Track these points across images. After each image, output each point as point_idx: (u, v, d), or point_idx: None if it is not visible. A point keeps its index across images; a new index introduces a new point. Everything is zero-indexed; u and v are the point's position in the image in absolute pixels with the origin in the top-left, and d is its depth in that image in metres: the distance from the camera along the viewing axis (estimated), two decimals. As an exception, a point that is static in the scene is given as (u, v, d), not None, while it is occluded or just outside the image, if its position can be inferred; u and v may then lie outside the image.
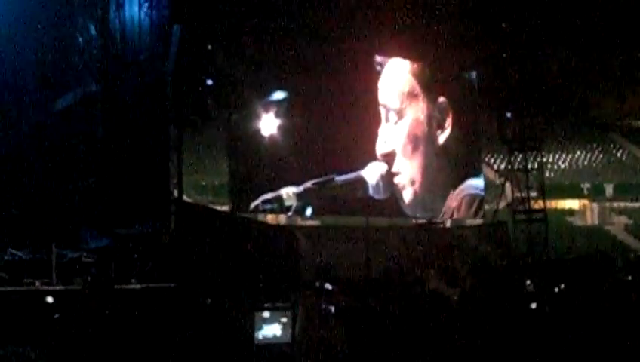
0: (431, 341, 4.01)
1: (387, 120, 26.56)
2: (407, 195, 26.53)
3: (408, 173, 26.52)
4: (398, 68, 27.38)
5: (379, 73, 27.00)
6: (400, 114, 26.76)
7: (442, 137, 27.67)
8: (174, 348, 6.75)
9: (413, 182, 26.60)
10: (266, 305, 5.97)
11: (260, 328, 5.87)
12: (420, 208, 27.02)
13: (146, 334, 7.67)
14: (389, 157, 26.03)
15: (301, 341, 5.03)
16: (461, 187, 28.35)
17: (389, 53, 27.33)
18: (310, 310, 5.68)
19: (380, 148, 25.99)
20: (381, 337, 4.77)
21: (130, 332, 7.75)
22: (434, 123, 27.52)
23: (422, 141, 27.16)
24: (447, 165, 27.85)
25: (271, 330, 5.88)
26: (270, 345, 5.78)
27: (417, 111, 27.28)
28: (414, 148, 26.88)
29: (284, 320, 5.80)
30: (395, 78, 27.16)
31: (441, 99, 27.68)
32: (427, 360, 3.31)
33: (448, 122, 27.67)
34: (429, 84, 27.62)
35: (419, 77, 27.53)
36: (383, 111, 26.61)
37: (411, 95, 27.30)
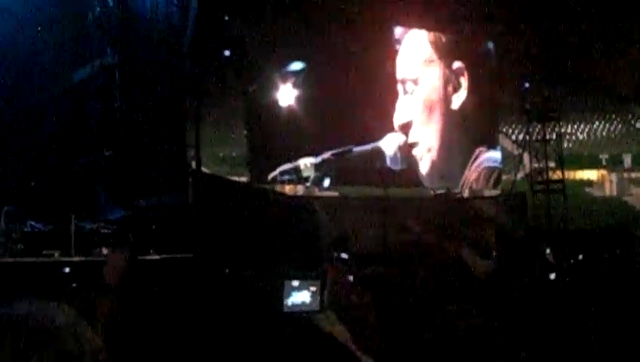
0: (455, 311, 4.00)
1: (405, 92, 26.48)
2: (425, 165, 26.43)
3: (425, 141, 26.40)
4: (416, 38, 27.27)
5: (397, 51, 26.89)
6: (416, 82, 26.64)
7: (458, 101, 27.49)
8: (195, 317, 6.76)
9: (430, 150, 26.48)
10: (294, 273, 5.97)
11: (290, 295, 5.88)
12: (437, 177, 26.90)
13: (166, 303, 7.69)
14: (407, 128, 25.94)
15: (329, 308, 5.02)
16: (480, 160, 28.25)
17: (408, 24, 27.20)
18: (337, 278, 5.65)
19: (398, 119, 25.93)
20: (407, 306, 4.75)
21: (151, 301, 7.76)
22: (449, 86, 27.38)
23: (437, 105, 27.04)
24: (464, 130, 27.70)
25: (300, 297, 5.89)
26: (299, 312, 5.79)
27: (433, 76, 27.17)
28: (430, 114, 26.77)
29: (313, 288, 5.80)
30: (413, 48, 27.06)
31: (457, 63, 27.51)
32: (454, 329, 3.31)
33: (464, 86, 27.49)
34: (446, 50, 27.49)
35: (436, 44, 27.41)
36: (400, 85, 26.51)
37: (428, 61, 27.19)
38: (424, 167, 26.45)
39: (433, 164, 26.60)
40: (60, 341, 1.99)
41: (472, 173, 28.01)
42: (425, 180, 26.57)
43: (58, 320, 2.05)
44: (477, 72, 28.17)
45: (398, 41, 27.02)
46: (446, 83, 27.33)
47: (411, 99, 26.39)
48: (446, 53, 27.39)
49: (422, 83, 26.74)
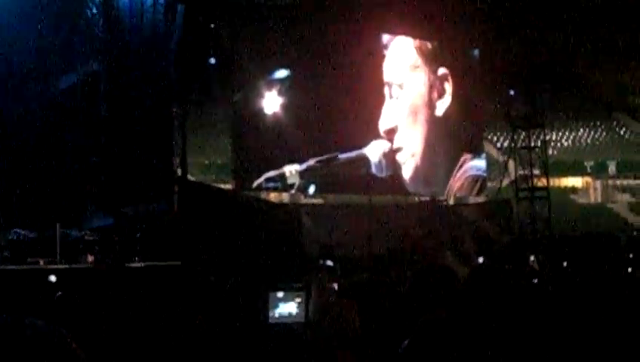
0: (439, 316, 4.04)
1: (390, 96, 26.54)
2: (409, 170, 26.46)
3: (409, 146, 26.44)
4: (403, 43, 27.34)
5: (384, 56, 26.97)
6: (402, 87, 26.71)
7: (442, 107, 27.58)
8: (179, 325, 6.78)
9: (413, 155, 26.51)
10: (279, 284, 6.00)
11: (276, 306, 5.90)
12: (421, 183, 26.93)
13: (150, 312, 7.71)
14: (392, 134, 25.97)
15: (314, 319, 5.06)
16: (464, 168, 28.33)
17: (392, 31, 27.28)
18: (322, 288, 5.70)
19: (383, 124, 25.95)
20: (391, 313, 4.79)
21: (135, 309, 7.78)
22: (434, 92, 27.47)
23: (422, 110, 27.12)
24: (448, 137, 27.77)
25: (286, 308, 5.92)
26: (284, 323, 5.82)
27: (419, 82, 27.27)
28: (415, 119, 26.85)
29: (298, 299, 5.83)
30: (400, 53, 27.13)
31: (442, 69, 27.61)
32: (437, 335, 3.34)
33: (448, 91, 27.58)
34: (432, 56, 27.58)
35: (422, 49, 27.50)
36: (387, 89, 26.56)
37: (413, 67, 27.29)
38: (408, 172, 26.47)
39: (417, 169, 26.64)
40: (38, 352, 2.01)
41: (456, 181, 28.09)
42: (408, 185, 26.60)
43: (36, 331, 2.06)
44: (461, 78, 28.26)
45: (386, 46, 27.09)
46: (431, 88, 27.42)
47: (397, 103, 26.45)
48: (431, 60, 27.48)
49: (407, 88, 26.80)
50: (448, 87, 27.58)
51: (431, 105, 27.37)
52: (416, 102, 27.06)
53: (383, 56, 26.91)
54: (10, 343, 2.00)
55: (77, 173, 21.01)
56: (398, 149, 26.09)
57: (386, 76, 26.73)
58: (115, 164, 20.83)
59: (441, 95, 27.54)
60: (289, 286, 5.96)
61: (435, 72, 27.49)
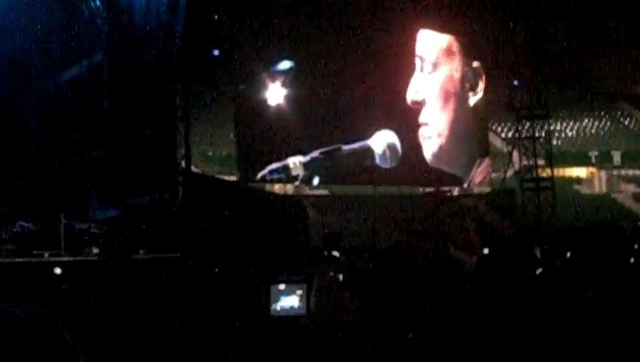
0: (443, 309, 4.02)
1: (422, 69, 26.51)
2: (433, 146, 26.40)
3: (436, 125, 26.41)
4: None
5: (417, 30, 26.90)
6: (435, 66, 26.70)
7: (473, 100, 27.56)
8: (182, 317, 6.77)
9: (440, 135, 26.50)
10: (281, 277, 5.97)
11: (277, 299, 5.87)
12: (444, 161, 26.88)
13: (154, 304, 7.70)
14: (419, 106, 25.97)
15: (316, 312, 5.04)
16: (484, 164, 28.40)
17: (408, 26, 27.18)
18: (324, 281, 5.67)
19: (411, 95, 25.92)
20: (394, 305, 4.76)
21: (139, 301, 7.78)
22: (466, 84, 27.41)
23: (453, 97, 27.07)
24: (475, 128, 27.83)
25: (288, 302, 5.89)
26: (287, 316, 5.79)
27: (452, 68, 27.22)
28: (445, 103, 26.81)
29: (299, 292, 5.80)
30: (435, 34, 27.11)
31: (477, 63, 27.57)
32: (441, 327, 3.32)
33: (481, 87, 27.55)
34: (468, 47, 27.54)
35: (459, 36, 27.46)
36: (418, 61, 26.51)
37: (449, 51, 27.23)
38: (431, 148, 26.39)
39: (441, 148, 26.60)
40: (32, 345, 2.00)
41: (477, 176, 28.07)
42: (430, 161, 26.50)
43: (32, 322, 2.05)
44: (490, 75, 28.24)
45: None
46: (463, 79, 27.37)
47: (428, 79, 26.42)
48: (468, 49, 27.45)
49: (440, 70, 26.80)
50: (481, 82, 27.57)
51: (463, 95, 27.33)
52: (448, 87, 27.03)
53: (416, 31, 26.80)
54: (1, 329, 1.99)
55: (81, 165, 21.04)
56: (424, 123, 26.09)
57: (419, 50, 26.68)
58: (118, 155, 20.84)
59: (473, 88, 27.52)
60: (290, 279, 5.94)
61: (469, 63, 27.48)
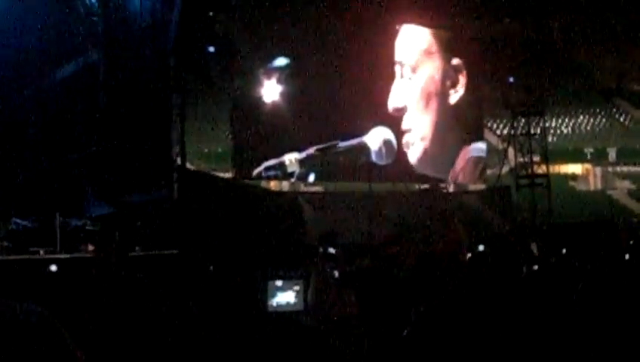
0: (439, 304, 4.03)
1: (402, 75, 26.43)
2: (417, 152, 26.35)
3: (419, 130, 26.34)
4: (417, 26, 27.26)
5: (397, 31, 26.82)
6: (414, 69, 26.63)
7: (455, 97, 27.44)
8: (178, 314, 6.78)
9: (423, 139, 26.42)
10: (278, 273, 5.99)
11: (274, 295, 5.89)
12: (429, 166, 26.84)
13: (150, 300, 7.71)
14: (401, 112, 25.90)
15: (313, 308, 5.06)
16: (467, 148, 28.29)
17: (397, 20, 27.16)
18: (320, 277, 5.70)
19: (392, 102, 25.86)
20: (389, 301, 4.78)
21: (135, 298, 7.78)
22: (447, 82, 27.32)
23: (435, 98, 26.96)
24: (457, 126, 27.70)
25: (285, 297, 5.91)
26: (283, 312, 5.80)
27: (432, 68, 27.09)
28: (427, 105, 26.71)
29: (296, 288, 5.81)
30: (414, 35, 26.99)
31: (457, 60, 27.50)
32: (435, 324, 3.34)
33: (462, 83, 27.43)
34: (448, 45, 27.44)
35: (438, 35, 27.38)
36: (397, 67, 26.46)
37: (428, 52, 27.14)
38: (415, 154, 26.34)
39: (426, 152, 26.54)
40: (31, 343, 2.01)
41: (459, 162, 28.02)
42: (416, 167, 26.47)
43: (31, 321, 2.07)
44: (474, 70, 28.18)
45: (399, 25, 26.97)
46: (444, 78, 27.26)
47: (408, 84, 26.32)
48: (446, 48, 27.35)
49: (420, 72, 26.67)
50: (462, 78, 27.46)
51: (443, 94, 27.21)
52: (429, 89, 26.90)
53: (395, 33, 26.77)
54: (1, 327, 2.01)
55: (76, 162, 21.02)
56: (407, 130, 26.04)
57: (398, 55, 26.56)
58: (114, 152, 20.83)
59: (454, 85, 27.42)
60: (287, 275, 5.95)
61: (449, 60, 27.37)
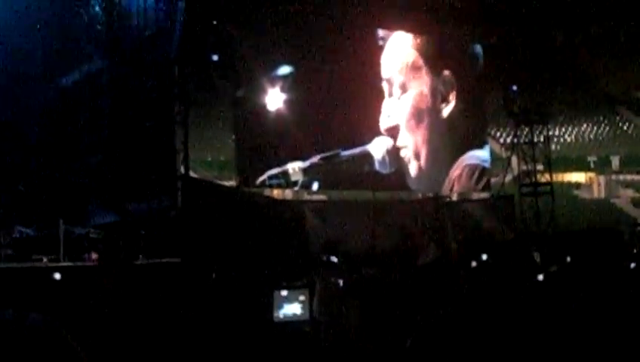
0: (442, 312, 4.04)
1: (390, 94, 26.43)
2: (413, 169, 26.41)
3: (413, 147, 26.39)
4: (401, 41, 27.21)
5: (381, 47, 26.86)
6: (404, 87, 26.62)
7: (446, 111, 27.51)
8: (183, 322, 6.78)
9: (417, 156, 26.46)
10: (283, 282, 5.99)
11: (280, 307, 5.89)
12: (425, 182, 26.90)
13: (155, 308, 7.71)
14: (393, 132, 25.92)
15: (318, 318, 5.06)
16: (462, 157, 28.27)
17: (392, 27, 27.20)
18: (325, 287, 5.70)
19: (384, 122, 25.88)
20: (393, 310, 4.79)
21: (140, 306, 7.79)
22: (438, 96, 27.33)
23: (426, 114, 27.00)
24: (452, 139, 27.71)
25: (291, 309, 5.90)
26: (289, 322, 5.80)
27: (421, 84, 27.10)
28: (418, 122, 26.73)
29: (302, 298, 5.81)
30: (399, 51, 27.00)
31: (446, 72, 27.49)
32: (440, 331, 3.34)
33: (452, 95, 27.48)
34: (433, 58, 27.45)
35: (422, 50, 27.37)
36: (386, 85, 26.47)
37: (415, 68, 27.13)
38: (412, 170, 26.41)
39: (420, 168, 26.58)
40: (39, 349, 2.02)
41: (454, 170, 28.01)
42: (412, 183, 26.54)
43: (38, 329, 2.08)
44: (465, 79, 28.16)
45: (383, 39, 26.95)
46: (434, 93, 27.24)
47: (398, 103, 26.36)
48: (433, 61, 27.33)
49: (410, 90, 26.68)
50: (453, 91, 27.47)
51: (435, 109, 27.23)
52: (420, 106, 26.90)
53: (381, 48, 26.81)
54: (10, 338, 2.02)
55: (80, 170, 21.04)
56: (402, 147, 26.04)
57: (385, 72, 26.61)
58: (118, 161, 20.85)
59: (445, 99, 27.44)
60: (292, 285, 5.95)
61: (438, 74, 27.34)
